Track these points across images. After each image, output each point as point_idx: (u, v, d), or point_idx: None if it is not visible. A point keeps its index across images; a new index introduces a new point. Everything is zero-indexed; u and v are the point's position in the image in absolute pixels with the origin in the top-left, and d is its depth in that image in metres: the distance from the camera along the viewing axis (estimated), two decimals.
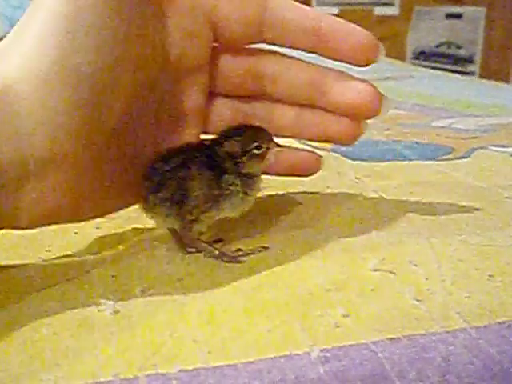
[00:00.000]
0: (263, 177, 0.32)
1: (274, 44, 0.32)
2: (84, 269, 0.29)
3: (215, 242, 0.32)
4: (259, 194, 0.32)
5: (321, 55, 0.32)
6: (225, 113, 0.34)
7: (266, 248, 0.31)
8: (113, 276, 0.28)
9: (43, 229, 0.28)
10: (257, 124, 0.32)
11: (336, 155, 0.51)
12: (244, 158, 0.30)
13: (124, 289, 0.27)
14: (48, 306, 0.25)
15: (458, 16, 2.45)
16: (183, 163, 0.29)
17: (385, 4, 2.55)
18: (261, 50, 0.33)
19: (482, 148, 0.54)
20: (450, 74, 1.27)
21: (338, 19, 0.31)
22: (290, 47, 0.32)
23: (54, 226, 0.29)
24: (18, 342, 0.23)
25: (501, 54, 2.34)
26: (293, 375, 0.21)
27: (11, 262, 0.30)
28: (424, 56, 2.50)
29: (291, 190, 0.40)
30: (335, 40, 0.31)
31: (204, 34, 0.31)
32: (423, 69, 1.35)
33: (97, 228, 0.34)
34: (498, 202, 0.38)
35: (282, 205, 0.38)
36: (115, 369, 0.21)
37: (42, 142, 0.25)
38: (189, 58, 0.31)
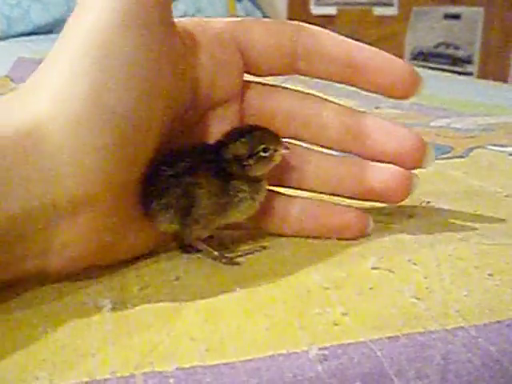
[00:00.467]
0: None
1: (307, 75, 0.31)
2: None
3: (209, 237, 0.31)
4: None
5: (356, 87, 0.31)
6: None
7: (264, 247, 0.30)
8: (110, 274, 0.28)
9: None
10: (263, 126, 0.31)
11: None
12: (251, 161, 0.29)
13: (121, 287, 0.27)
14: (44, 303, 0.25)
15: (456, 16, 2.46)
16: (189, 168, 0.28)
17: (383, 4, 2.55)
18: (291, 89, 0.32)
19: (480, 147, 0.54)
20: (449, 74, 1.27)
21: (375, 49, 0.30)
22: (323, 78, 0.31)
23: None
24: (13, 339, 0.22)
25: (499, 54, 2.34)
26: (291, 374, 0.21)
27: None
28: (422, 56, 2.50)
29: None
30: (371, 72, 0.30)
31: (235, 64, 0.30)
32: (421, 69, 1.35)
33: None
34: (497, 200, 0.38)
35: None
36: (112, 367, 0.21)
37: (73, 183, 0.24)
38: (219, 89, 0.30)
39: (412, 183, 0.31)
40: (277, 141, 0.30)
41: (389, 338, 0.22)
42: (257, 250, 0.30)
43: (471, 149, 0.53)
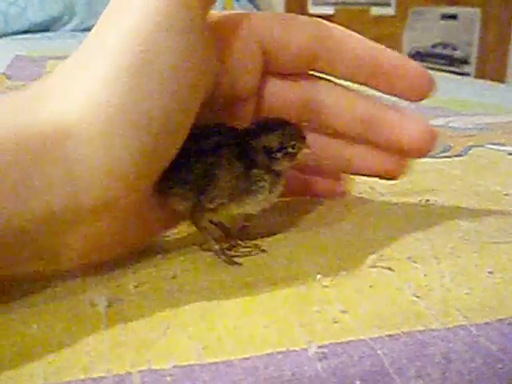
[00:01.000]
0: None
1: (326, 74, 0.31)
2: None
3: (225, 228, 0.31)
4: None
5: (371, 88, 0.31)
6: None
7: (263, 251, 0.30)
8: (106, 271, 0.27)
9: None
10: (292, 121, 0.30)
11: None
12: (279, 154, 0.29)
13: (117, 284, 0.26)
14: (40, 300, 0.25)
15: (453, 17, 2.46)
16: (213, 148, 0.28)
17: (381, 4, 2.55)
18: (313, 76, 0.32)
19: (478, 146, 0.54)
20: (446, 74, 1.27)
21: (396, 52, 0.30)
22: (342, 78, 0.31)
23: None
24: (8, 336, 0.22)
25: (496, 55, 2.34)
26: (289, 372, 0.20)
27: None
28: (419, 57, 2.51)
29: None
30: (391, 74, 0.30)
31: (256, 62, 0.30)
32: None
33: None
34: (496, 199, 0.38)
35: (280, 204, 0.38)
36: (108, 365, 0.20)
37: (99, 188, 0.23)
38: (239, 86, 0.30)
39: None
40: (303, 139, 0.30)
41: (389, 336, 0.22)
42: (256, 253, 0.30)
43: (470, 147, 0.53)
